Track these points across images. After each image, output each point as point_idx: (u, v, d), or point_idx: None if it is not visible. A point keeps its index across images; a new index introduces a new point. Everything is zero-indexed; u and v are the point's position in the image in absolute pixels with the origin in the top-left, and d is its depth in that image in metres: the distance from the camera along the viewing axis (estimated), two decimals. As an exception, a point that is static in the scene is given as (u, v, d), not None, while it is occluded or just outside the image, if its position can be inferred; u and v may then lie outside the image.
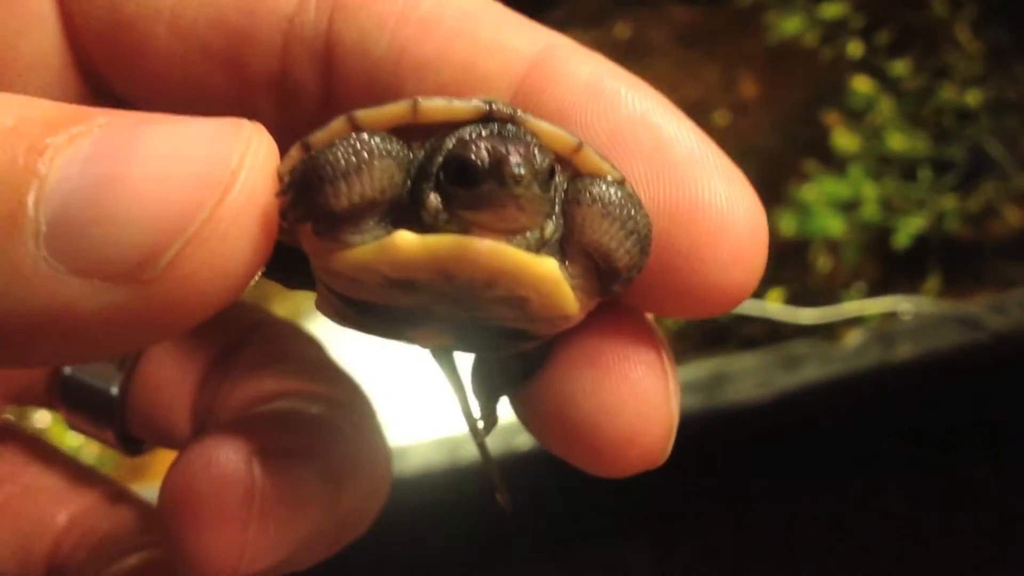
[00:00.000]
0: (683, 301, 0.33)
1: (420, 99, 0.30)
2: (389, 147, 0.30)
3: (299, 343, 0.46)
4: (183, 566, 0.35)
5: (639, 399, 0.34)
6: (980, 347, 1.19)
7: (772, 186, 1.51)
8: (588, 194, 0.31)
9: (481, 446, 0.40)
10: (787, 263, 1.45)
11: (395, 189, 0.30)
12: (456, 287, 0.30)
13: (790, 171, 1.51)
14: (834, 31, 1.65)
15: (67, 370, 0.45)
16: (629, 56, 1.67)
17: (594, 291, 0.32)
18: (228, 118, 0.28)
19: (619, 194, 0.31)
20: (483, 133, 0.30)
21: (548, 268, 0.30)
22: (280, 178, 0.29)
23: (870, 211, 1.40)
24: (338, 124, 0.30)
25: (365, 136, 0.30)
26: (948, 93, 1.50)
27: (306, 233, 0.31)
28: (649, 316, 0.36)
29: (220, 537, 0.34)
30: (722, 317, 1.39)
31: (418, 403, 1.24)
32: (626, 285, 0.32)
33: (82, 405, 0.45)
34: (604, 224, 0.31)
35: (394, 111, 0.30)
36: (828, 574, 1.38)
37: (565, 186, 0.31)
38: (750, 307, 1.38)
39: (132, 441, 0.47)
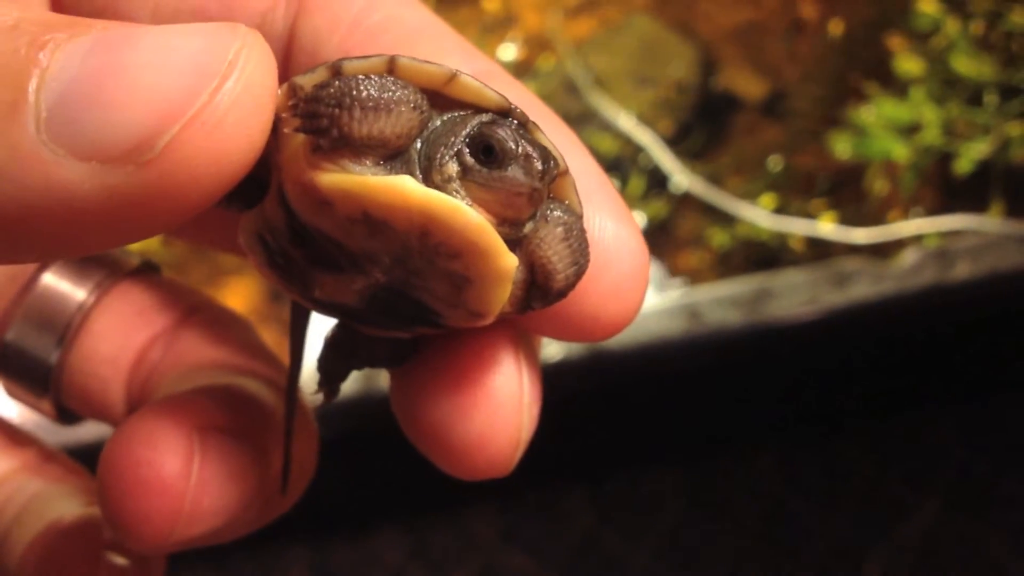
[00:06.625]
0: (562, 326, 0.36)
1: (460, 73, 0.32)
2: (419, 103, 0.31)
3: (236, 327, 0.48)
4: (118, 531, 0.38)
5: (492, 406, 0.36)
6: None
7: (828, 109, 1.45)
8: (556, 214, 0.33)
9: (289, 421, 0.41)
10: (841, 187, 1.40)
11: (407, 141, 0.31)
12: (423, 244, 0.31)
13: (848, 94, 1.45)
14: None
15: (9, 336, 0.46)
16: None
17: (516, 303, 0.34)
18: (223, 22, 0.30)
19: (579, 225, 0.33)
20: (511, 124, 0.32)
21: (509, 263, 0.31)
22: (299, 88, 0.31)
23: (932, 135, 1.34)
24: (377, 62, 0.32)
25: (401, 84, 0.31)
26: (1019, 17, 1.42)
27: (295, 145, 0.31)
28: (521, 327, 0.38)
29: (157, 506, 0.37)
30: (769, 239, 1.34)
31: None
32: (543, 308, 0.34)
33: (21, 373, 0.46)
34: (560, 246, 0.33)
35: (434, 73, 0.32)
36: (872, 511, 1.32)
37: None
38: (800, 227, 1.32)
39: (68, 413, 0.48)
